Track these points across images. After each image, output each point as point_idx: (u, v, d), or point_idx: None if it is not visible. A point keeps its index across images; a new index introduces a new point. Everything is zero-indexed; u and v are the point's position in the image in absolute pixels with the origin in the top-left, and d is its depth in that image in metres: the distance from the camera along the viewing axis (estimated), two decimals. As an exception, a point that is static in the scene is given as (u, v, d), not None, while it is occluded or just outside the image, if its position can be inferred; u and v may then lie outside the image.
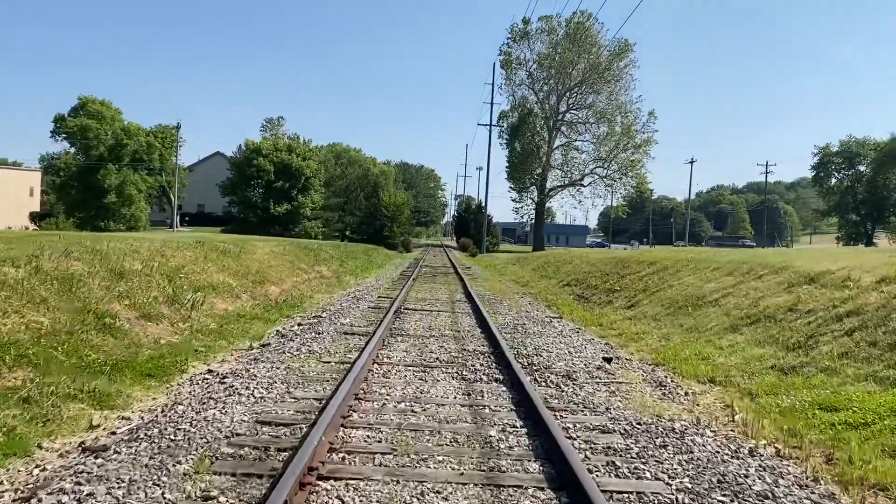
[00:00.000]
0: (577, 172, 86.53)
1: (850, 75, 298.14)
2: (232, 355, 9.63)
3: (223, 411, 6.43)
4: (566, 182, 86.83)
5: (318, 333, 11.36)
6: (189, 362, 8.77)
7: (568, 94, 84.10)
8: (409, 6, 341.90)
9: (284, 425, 6.09)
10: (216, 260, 16.81)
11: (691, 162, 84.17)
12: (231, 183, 70.86)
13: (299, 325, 12.60)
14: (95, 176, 64.77)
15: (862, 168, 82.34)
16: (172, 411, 6.47)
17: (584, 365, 9.43)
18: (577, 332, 12.90)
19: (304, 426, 5.99)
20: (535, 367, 9.17)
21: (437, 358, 9.63)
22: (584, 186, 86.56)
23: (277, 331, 11.89)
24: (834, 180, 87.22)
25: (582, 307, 17.36)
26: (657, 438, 6.06)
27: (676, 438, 6.06)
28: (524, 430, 6.15)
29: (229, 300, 13.86)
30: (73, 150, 67.02)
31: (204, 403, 6.74)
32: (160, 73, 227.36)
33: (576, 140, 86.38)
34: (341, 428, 6.02)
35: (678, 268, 17.27)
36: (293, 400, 7.12)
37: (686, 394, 8.04)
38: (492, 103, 70.61)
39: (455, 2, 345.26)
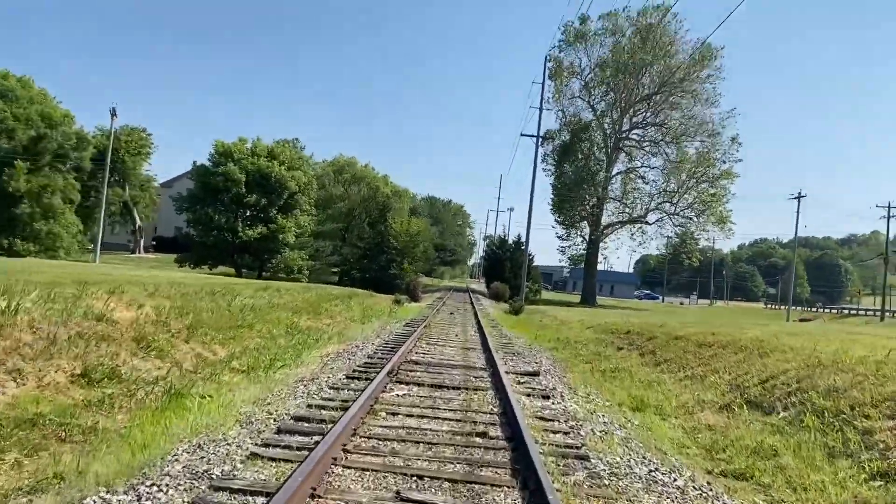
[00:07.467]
0: (640, 206, 65.02)
1: None
2: None
3: None
4: (626, 218, 65.25)
5: None
6: None
7: (633, 108, 63.25)
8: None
9: None
10: None
11: (798, 197, 61.17)
12: (190, 196, 50.48)
13: None
14: (1, 177, 44.78)
15: None
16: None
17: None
18: None
19: None
20: None
21: None
22: (649, 224, 64.92)
23: None
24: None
25: None
26: None
27: None
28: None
29: None
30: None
31: None
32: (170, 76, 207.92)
33: (641, 167, 65.03)
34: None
35: None
36: None
37: None
38: (541, 108, 49.28)
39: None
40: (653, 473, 6.10)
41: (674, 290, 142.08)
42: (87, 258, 47.01)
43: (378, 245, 52.99)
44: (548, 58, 59.03)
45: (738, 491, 6.27)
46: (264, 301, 16.50)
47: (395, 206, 59.54)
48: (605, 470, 6.02)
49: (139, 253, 64.48)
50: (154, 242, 69.76)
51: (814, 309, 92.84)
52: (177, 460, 5.33)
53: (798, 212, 72.56)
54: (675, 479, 6.02)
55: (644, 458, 6.68)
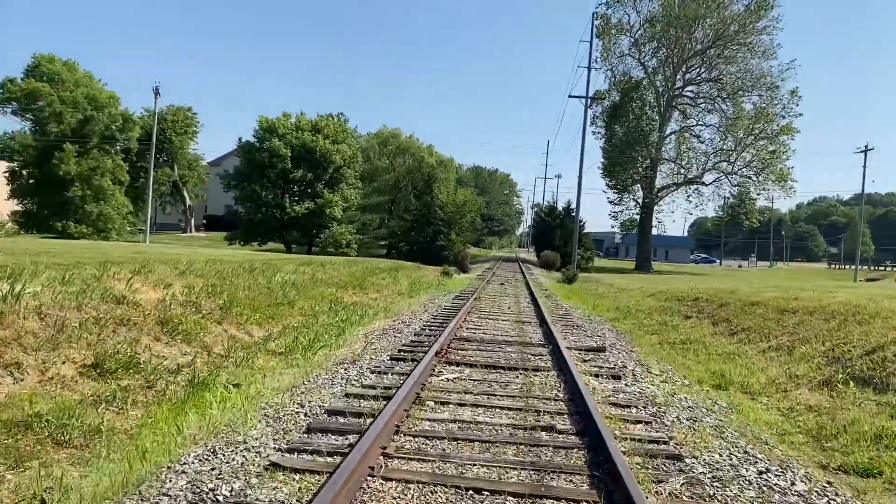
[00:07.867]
0: (695, 167, 62.13)
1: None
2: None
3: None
4: (681, 179, 62.52)
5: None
6: None
7: (686, 64, 60.21)
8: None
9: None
10: None
11: (865, 151, 57.52)
12: (237, 173, 50.32)
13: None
14: (52, 161, 45.22)
15: None
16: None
17: None
18: None
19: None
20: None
21: None
22: (705, 185, 62.09)
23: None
24: None
25: None
26: None
27: None
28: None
29: None
30: (30, 126, 47.80)
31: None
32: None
33: (696, 125, 62.00)
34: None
35: None
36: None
37: None
38: (589, 66, 47.15)
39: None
40: (764, 476, 4.91)
41: (730, 252, 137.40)
42: (138, 239, 47.40)
43: (424, 216, 52.01)
44: (594, 15, 56.40)
45: (868, 493, 5.05)
46: (307, 276, 15.68)
47: (440, 176, 58.34)
48: (705, 473, 4.86)
49: (190, 232, 65.11)
50: (205, 221, 70.38)
51: (881, 267, 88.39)
52: (183, 472, 4.41)
53: (865, 166, 68.52)
54: (792, 483, 4.84)
55: (747, 452, 5.49)
